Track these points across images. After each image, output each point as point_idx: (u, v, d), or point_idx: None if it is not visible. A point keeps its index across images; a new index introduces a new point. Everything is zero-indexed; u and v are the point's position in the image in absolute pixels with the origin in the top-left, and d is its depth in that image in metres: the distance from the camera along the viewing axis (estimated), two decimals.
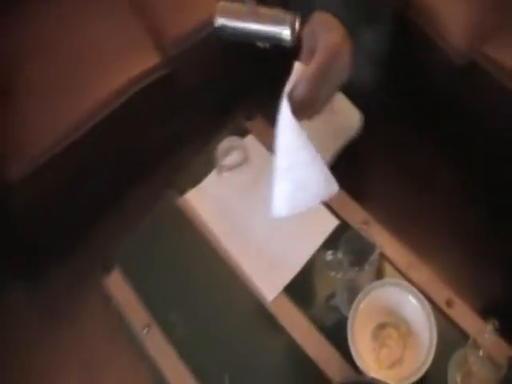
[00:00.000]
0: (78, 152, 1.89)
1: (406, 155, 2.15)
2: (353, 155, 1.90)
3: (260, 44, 1.16)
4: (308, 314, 1.30)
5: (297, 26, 1.09)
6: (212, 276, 1.40)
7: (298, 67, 1.01)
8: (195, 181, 1.51)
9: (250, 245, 1.40)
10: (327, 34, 1.00)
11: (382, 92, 1.78)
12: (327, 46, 0.98)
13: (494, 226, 1.96)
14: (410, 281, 1.26)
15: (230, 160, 1.44)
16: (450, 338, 1.20)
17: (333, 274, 1.28)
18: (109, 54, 1.94)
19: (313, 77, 0.98)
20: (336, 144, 1.20)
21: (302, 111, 1.02)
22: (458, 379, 1.15)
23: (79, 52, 1.96)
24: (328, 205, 1.41)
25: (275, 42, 1.13)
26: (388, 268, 1.32)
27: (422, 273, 1.29)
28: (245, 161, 1.44)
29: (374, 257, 1.21)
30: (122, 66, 1.93)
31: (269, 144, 1.49)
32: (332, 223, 1.39)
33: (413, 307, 1.20)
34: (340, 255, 1.21)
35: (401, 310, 1.22)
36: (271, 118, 1.04)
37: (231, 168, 1.44)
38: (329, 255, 1.25)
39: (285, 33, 1.10)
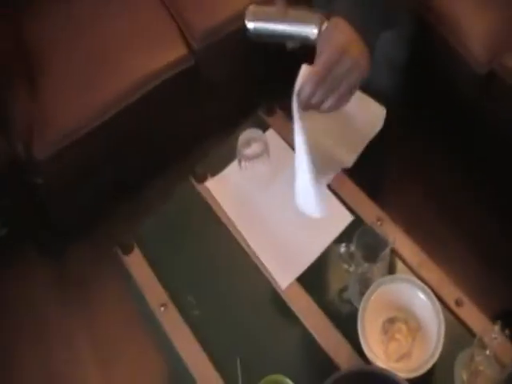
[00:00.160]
0: (101, 137, 1.94)
1: (422, 159, 2.19)
2: (370, 155, 1.94)
3: (289, 44, 1.20)
4: (320, 303, 1.34)
5: (324, 25, 1.13)
6: (228, 261, 1.44)
7: (304, 69, 1.06)
8: (216, 170, 1.55)
9: (267, 234, 1.44)
10: (335, 35, 1.04)
11: (401, 96, 1.81)
12: (331, 46, 1.02)
13: (506, 230, 1.99)
14: (420, 279, 1.29)
15: (250, 151, 1.47)
16: (458, 337, 1.24)
17: (345, 266, 1.33)
18: (136, 43, 1.99)
19: (317, 75, 1.02)
20: (363, 142, 1.24)
21: (313, 109, 1.07)
22: (465, 377, 1.18)
23: (107, 40, 2.00)
24: (343, 201, 1.45)
25: (304, 42, 1.17)
26: (400, 265, 1.35)
27: (433, 272, 1.32)
28: (265, 152, 1.47)
29: (386, 252, 1.25)
30: (148, 56, 1.97)
31: (289, 139, 1.53)
32: (347, 218, 1.43)
33: (422, 303, 1.23)
34: (353, 248, 1.25)
35: (411, 306, 1.26)
36: (291, 114, 1.09)
37: (251, 158, 1.47)
38: (342, 248, 1.29)
39: (314, 32, 1.14)
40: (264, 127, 1.56)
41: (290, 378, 1.22)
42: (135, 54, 1.97)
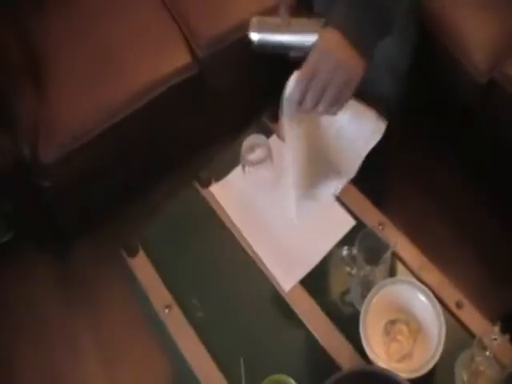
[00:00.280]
0: (107, 141, 1.96)
1: (422, 164, 2.22)
2: (371, 161, 1.96)
3: (293, 54, 1.21)
4: (323, 305, 1.36)
5: None
6: (232, 264, 1.46)
7: (294, 75, 1.09)
8: (220, 175, 1.57)
9: (270, 237, 1.46)
10: (322, 40, 1.06)
11: (402, 103, 1.83)
12: (317, 48, 1.05)
13: (506, 232, 2.02)
14: (421, 281, 1.31)
15: (254, 156, 1.49)
16: (458, 338, 1.26)
17: (348, 269, 1.35)
18: (142, 50, 2.01)
19: (301, 77, 1.05)
20: (361, 154, 1.25)
21: (304, 112, 1.09)
22: (465, 378, 1.20)
23: (112, 46, 2.03)
24: (346, 206, 1.48)
25: (308, 51, 1.19)
26: (401, 268, 1.37)
27: (434, 274, 1.35)
28: (268, 158, 1.49)
29: (387, 255, 1.27)
30: (154, 63, 1.99)
31: None
32: (349, 223, 1.45)
33: (423, 305, 1.25)
34: (355, 251, 1.28)
35: (412, 308, 1.28)
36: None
37: (255, 164, 1.49)
38: (344, 251, 1.32)
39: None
40: (268, 133, 1.58)
41: (293, 379, 1.24)
42: (141, 60, 2.00)
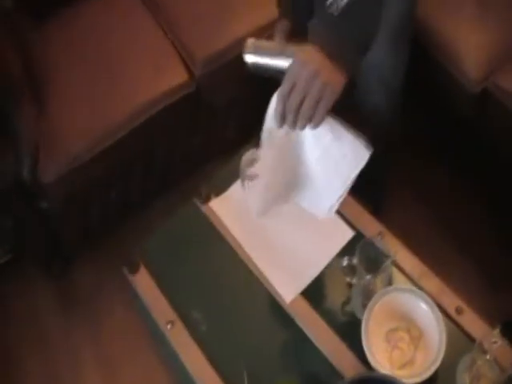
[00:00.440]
0: (106, 160, 1.98)
1: (420, 175, 2.24)
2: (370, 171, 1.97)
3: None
4: (324, 315, 1.37)
5: None
6: (233, 278, 1.48)
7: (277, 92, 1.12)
8: (220, 190, 1.59)
9: (270, 250, 1.48)
10: (297, 55, 1.09)
11: (398, 117, 1.86)
12: (293, 62, 1.09)
13: (504, 239, 2.03)
14: (421, 289, 1.32)
15: (252, 171, 1.51)
16: (459, 343, 1.27)
17: (348, 279, 1.37)
18: (139, 69, 2.03)
19: (281, 90, 1.09)
20: (346, 180, 1.26)
21: (289, 124, 1.12)
22: (467, 381, 1.21)
23: (110, 65, 2.05)
24: (344, 217, 1.49)
25: None
26: (400, 277, 1.39)
27: (433, 282, 1.36)
28: None
29: (387, 264, 1.29)
30: (151, 82, 2.02)
31: None
32: (348, 234, 1.47)
33: (424, 312, 1.27)
34: (355, 261, 1.29)
35: (412, 315, 1.29)
36: None
37: (254, 178, 1.51)
38: (345, 261, 1.33)
39: None
40: None
41: None
42: (139, 79, 2.02)
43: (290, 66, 1.09)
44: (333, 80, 1.07)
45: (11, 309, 2.27)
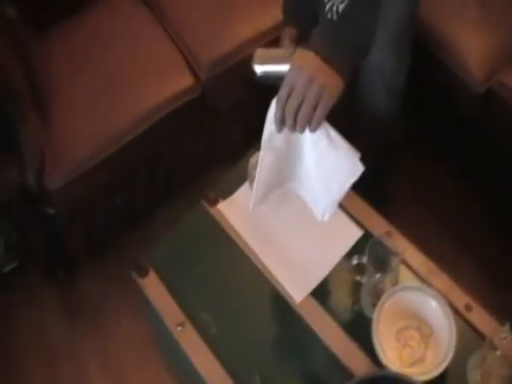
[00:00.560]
0: (111, 167, 1.97)
1: (421, 176, 2.25)
2: (376, 174, 1.98)
3: None
4: (334, 315, 1.37)
5: None
6: (243, 279, 1.48)
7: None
8: (227, 193, 1.60)
9: (279, 251, 1.48)
10: (294, 60, 1.11)
11: (401, 118, 1.86)
12: (290, 68, 1.10)
13: (504, 240, 2.05)
14: (430, 287, 1.33)
15: None
16: (469, 340, 1.28)
17: (358, 278, 1.37)
18: (144, 74, 2.03)
19: (279, 95, 1.11)
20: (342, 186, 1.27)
21: (288, 127, 1.15)
22: (478, 378, 1.21)
23: (114, 71, 2.05)
24: (352, 216, 1.50)
25: None
26: (409, 275, 1.39)
27: (442, 279, 1.37)
28: None
29: (396, 263, 1.30)
30: (156, 86, 2.01)
31: None
32: (357, 233, 1.48)
33: (433, 310, 1.27)
34: (365, 260, 1.30)
35: (422, 313, 1.29)
36: None
37: None
38: (354, 260, 1.34)
39: None
40: None
41: None
42: (144, 84, 2.02)
43: (288, 72, 1.11)
44: (330, 84, 1.09)
45: (16, 318, 2.26)
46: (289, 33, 1.32)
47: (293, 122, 1.12)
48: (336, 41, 1.10)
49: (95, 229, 2.19)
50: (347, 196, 1.46)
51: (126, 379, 2.11)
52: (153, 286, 1.49)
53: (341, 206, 1.49)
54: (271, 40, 2.01)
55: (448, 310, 1.25)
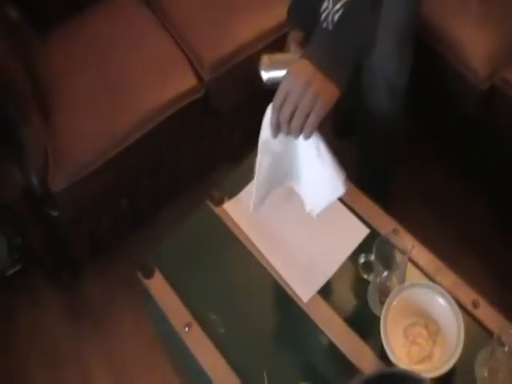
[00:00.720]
0: (115, 168, 1.98)
1: (423, 175, 2.26)
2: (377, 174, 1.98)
3: None
4: (341, 313, 1.37)
5: None
6: (249, 278, 1.48)
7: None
8: (232, 193, 1.59)
9: (285, 250, 1.48)
10: (290, 69, 1.13)
11: (403, 117, 1.87)
12: (286, 75, 1.12)
13: (506, 238, 2.06)
14: (437, 284, 1.33)
15: None
16: (476, 337, 1.28)
17: (365, 276, 1.37)
18: (147, 75, 2.03)
19: (274, 102, 1.13)
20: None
21: (283, 133, 1.17)
22: (486, 374, 1.21)
23: (117, 73, 2.05)
24: (359, 214, 1.50)
25: None
26: (416, 272, 1.39)
27: (449, 277, 1.37)
28: None
29: (403, 260, 1.30)
30: (159, 87, 2.02)
31: None
32: (363, 232, 1.48)
33: (441, 307, 1.27)
34: (372, 259, 1.30)
35: (430, 310, 1.29)
36: None
37: None
38: (362, 258, 1.34)
39: None
40: None
41: None
42: (147, 85, 2.02)
43: (283, 79, 1.12)
44: (324, 92, 1.10)
45: (20, 321, 2.26)
46: (295, 37, 1.33)
47: (287, 128, 1.14)
48: (332, 50, 1.12)
49: (99, 230, 2.19)
50: (353, 195, 1.49)
51: (131, 381, 2.11)
52: (159, 287, 1.48)
53: (347, 204, 1.50)
54: (273, 40, 2.02)
55: (455, 307, 1.25)
